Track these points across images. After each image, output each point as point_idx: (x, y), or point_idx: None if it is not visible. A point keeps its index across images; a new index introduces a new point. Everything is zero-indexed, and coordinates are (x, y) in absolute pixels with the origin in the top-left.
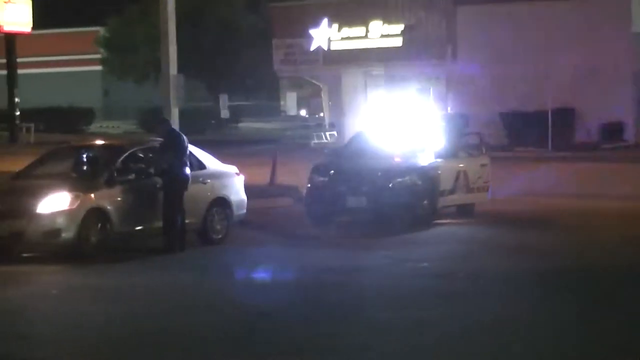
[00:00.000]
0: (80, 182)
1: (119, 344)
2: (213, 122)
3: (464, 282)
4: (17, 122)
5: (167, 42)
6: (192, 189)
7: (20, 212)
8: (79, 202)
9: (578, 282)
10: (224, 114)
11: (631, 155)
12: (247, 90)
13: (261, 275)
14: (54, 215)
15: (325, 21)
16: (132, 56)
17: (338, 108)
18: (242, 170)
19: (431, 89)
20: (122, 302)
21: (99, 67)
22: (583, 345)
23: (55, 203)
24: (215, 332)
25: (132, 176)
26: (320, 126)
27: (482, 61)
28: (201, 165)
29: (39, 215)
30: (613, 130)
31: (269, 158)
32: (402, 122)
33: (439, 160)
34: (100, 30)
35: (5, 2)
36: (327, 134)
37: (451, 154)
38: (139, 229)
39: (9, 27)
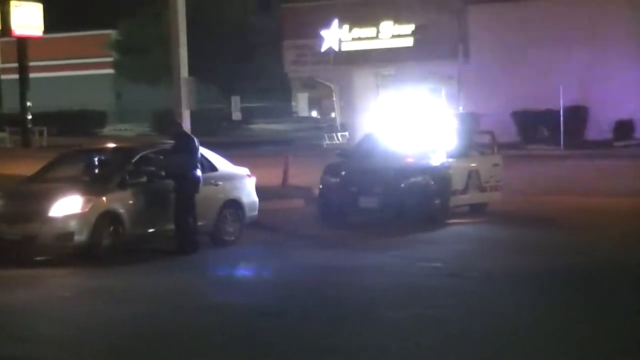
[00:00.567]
0: (92, 186)
1: (131, 345)
2: (225, 123)
3: (476, 281)
4: (30, 125)
5: (178, 44)
6: (204, 191)
7: (33, 216)
8: (91, 205)
9: (591, 280)
10: (236, 115)
11: None
12: (258, 92)
13: (273, 276)
14: (66, 218)
15: (335, 22)
16: (144, 59)
17: (349, 109)
18: (254, 171)
19: (443, 89)
20: (135, 304)
21: (111, 70)
22: (596, 344)
23: (67, 206)
24: (228, 333)
25: (144, 179)
26: (332, 127)
27: (493, 60)
28: (213, 167)
29: (52, 218)
30: (625, 128)
31: (280, 159)
32: (413, 122)
33: (450, 159)
34: (112, 33)
35: (15, 5)
36: (339, 134)
37: (463, 154)
38: (151, 232)
39: (20, 31)
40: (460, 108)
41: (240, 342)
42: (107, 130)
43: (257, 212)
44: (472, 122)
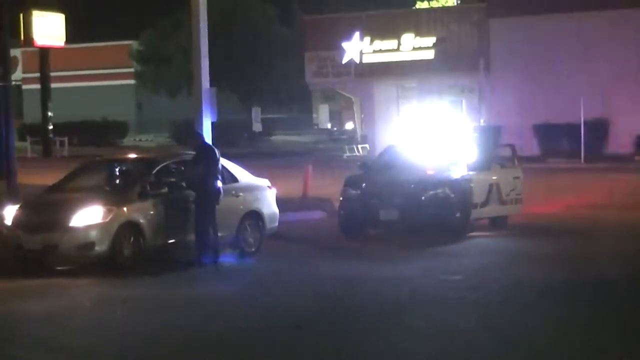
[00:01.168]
0: (113, 196)
1: (150, 355)
2: (245, 135)
3: (496, 294)
4: (51, 135)
5: (200, 55)
6: (225, 202)
7: (54, 225)
8: (112, 215)
9: (611, 293)
10: (256, 127)
11: None
12: (279, 103)
13: (293, 287)
14: (87, 228)
15: (357, 34)
16: (165, 69)
17: (370, 120)
18: (273, 182)
19: (463, 101)
20: (154, 314)
21: (132, 81)
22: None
23: (88, 216)
24: (247, 345)
25: (165, 189)
26: (351, 139)
27: (514, 73)
28: (233, 179)
29: (73, 228)
30: None
31: (300, 171)
32: (434, 134)
33: (471, 172)
34: (133, 43)
35: (38, 15)
36: (359, 146)
37: (484, 166)
38: (171, 242)
39: (42, 41)
40: (481, 121)
41: (263, 353)
42: (127, 140)
43: (277, 224)
44: (493, 135)
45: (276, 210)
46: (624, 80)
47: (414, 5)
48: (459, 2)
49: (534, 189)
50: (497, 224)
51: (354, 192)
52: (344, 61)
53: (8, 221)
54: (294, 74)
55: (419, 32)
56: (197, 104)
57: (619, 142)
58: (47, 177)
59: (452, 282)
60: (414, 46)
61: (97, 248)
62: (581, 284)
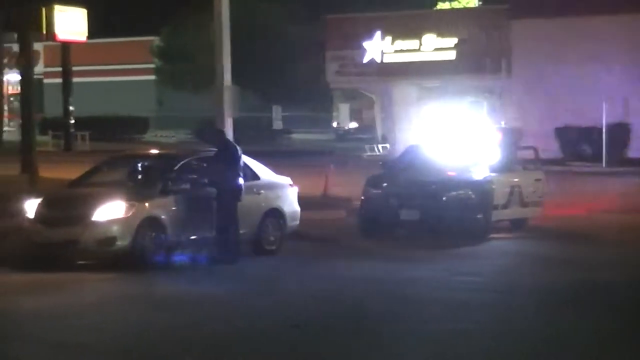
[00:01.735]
0: (135, 191)
1: (167, 353)
2: (265, 132)
3: (515, 296)
4: (72, 130)
5: (222, 52)
6: (246, 199)
7: (76, 220)
8: (134, 210)
9: (633, 299)
10: (277, 124)
11: None
12: (300, 101)
13: (313, 286)
14: (109, 223)
15: (378, 34)
16: (186, 66)
17: (390, 120)
18: (295, 181)
19: (485, 103)
20: (174, 311)
21: (153, 77)
22: None
23: (110, 211)
24: (269, 344)
25: (186, 186)
26: (372, 138)
27: (536, 75)
28: (255, 176)
29: (94, 223)
30: None
31: (320, 169)
32: (456, 135)
33: (493, 174)
34: (154, 39)
35: (60, 11)
36: (380, 146)
37: (506, 168)
38: (193, 239)
39: (64, 36)
40: (503, 122)
41: (282, 353)
42: (148, 136)
43: (298, 222)
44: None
45: (297, 208)
46: None
47: (435, 6)
48: (480, 3)
49: (555, 192)
50: (517, 226)
51: (375, 191)
52: (365, 61)
53: (30, 215)
54: (314, 72)
55: (441, 33)
56: (219, 101)
57: None
58: (69, 172)
59: (470, 284)
60: (436, 47)
61: (118, 243)
62: (598, 289)
